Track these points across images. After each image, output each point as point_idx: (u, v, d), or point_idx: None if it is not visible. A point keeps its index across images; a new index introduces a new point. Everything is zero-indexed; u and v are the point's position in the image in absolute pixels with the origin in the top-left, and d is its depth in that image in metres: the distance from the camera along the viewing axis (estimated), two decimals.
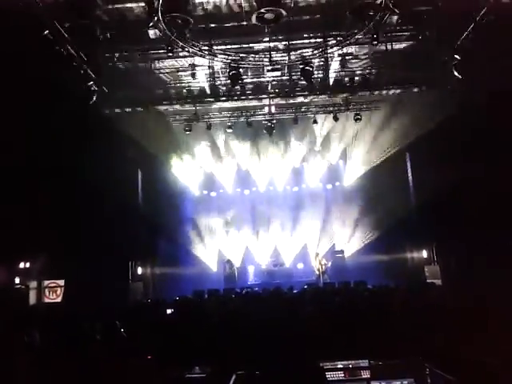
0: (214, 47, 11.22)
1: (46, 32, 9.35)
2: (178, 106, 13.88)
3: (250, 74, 13.01)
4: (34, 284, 12.17)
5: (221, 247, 19.80)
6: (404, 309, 6.31)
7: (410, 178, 15.65)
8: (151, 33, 9.74)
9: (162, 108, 14.06)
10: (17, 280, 11.84)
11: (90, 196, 11.74)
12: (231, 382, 3.50)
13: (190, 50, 10.58)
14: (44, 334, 4.77)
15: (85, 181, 11.40)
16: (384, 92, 13.31)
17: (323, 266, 17.07)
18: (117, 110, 13.28)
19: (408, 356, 3.70)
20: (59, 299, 12.17)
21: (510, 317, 4.72)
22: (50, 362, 3.67)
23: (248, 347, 4.64)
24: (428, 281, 13.49)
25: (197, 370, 4.06)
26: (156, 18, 8.92)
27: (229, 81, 11.88)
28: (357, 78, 13.12)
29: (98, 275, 11.26)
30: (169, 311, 7.15)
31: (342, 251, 18.60)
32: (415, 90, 13.09)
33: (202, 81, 13.19)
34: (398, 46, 12.04)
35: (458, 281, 11.85)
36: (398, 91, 13.25)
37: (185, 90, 13.35)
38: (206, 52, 10.98)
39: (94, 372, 3.51)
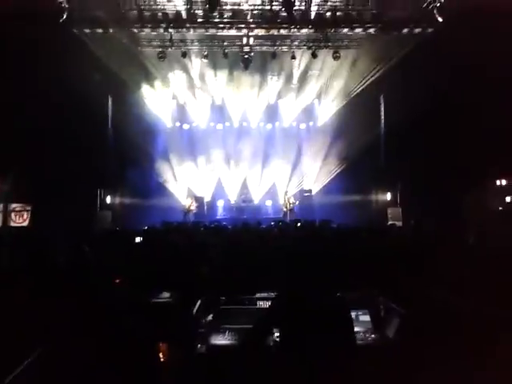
0: None
1: None
2: (151, 31, 13.17)
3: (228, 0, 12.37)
4: None
5: (191, 181, 19.78)
6: (363, 246, 6.59)
7: (382, 119, 15.77)
8: None
9: (134, 31, 13.28)
10: None
11: (58, 119, 11.34)
12: (196, 306, 3.66)
13: None
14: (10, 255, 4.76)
15: (52, 103, 10.94)
16: (365, 31, 13.00)
17: (291, 205, 17.42)
18: (87, 31, 12.50)
19: (363, 289, 3.92)
20: (26, 223, 12.08)
21: (459, 254, 5.05)
22: (13, 284, 3.70)
23: (214, 276, 4.80)
24: (390, 222, 14.06)
25: (163, 295, 4.19)
26: None
27: (207, 6, 11.31)
28: (338, 14, 12.72)
29: (66, 201, 11.15)
30: (137, 239, 7.22)
31: (310, 191, 18.95)
32: (397, 30, 12.84)
33: (178, 4, 12.47)
34: None
35: (417, 223, 12.40)
36: (379, 30, 12.95)
37: (160, 14, 12.63)
38: None
39: (58, 292, 3.57)
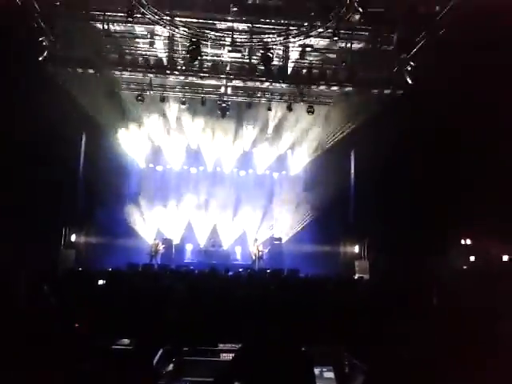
0: (176, 18, 10.94)
1: None
2: (131, 74, 13.40)
3: (209, 51, 12.78)
4: None
5: (161, 223, 19.55)
6: (331, 299, 6.60)
7: (352, 173, 16.23)
8: None
9: (114, 74, 13.48)
10: None
11: (29, 153, 11.18)
12: (158, 355, 3.54)
13: (151, 17, 10.25)
14: None
15: (24, 135, 10.82)
16: (338, 88, 13.62)
17: (260, 252, 17.38)
18: (67, 70, 12.59)
19: (328, 344, 3.90)
20: None
21: (423, 313, 5.11)
22: None
23: (178, 323, 4.69)
24: (357, 275, 14.15)
25: (124, 341, 4.05)
26: None
27: (187, 55, 11.66)
28: (314, 71, 13.33)
29: (29, 238, 10.80)
30: (100, 282, 7.01)
31: (279, 239, 19.00)
32: (370, 90, 13.49)
33: (159, 50, 12.82)
34: (357, 44, 12.36)
35: (383, 277, 12.51)
36: (352, 89, 13.57)
37: (141, 59, 12.92)
38: (168, 22, 10.68)
39: (16, 336, 3.41)
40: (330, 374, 3.43)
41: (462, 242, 14.42)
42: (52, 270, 9.71)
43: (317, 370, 3.38)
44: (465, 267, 13.80)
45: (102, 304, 5.35)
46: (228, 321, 4.71)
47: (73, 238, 14.61)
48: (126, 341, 4.08)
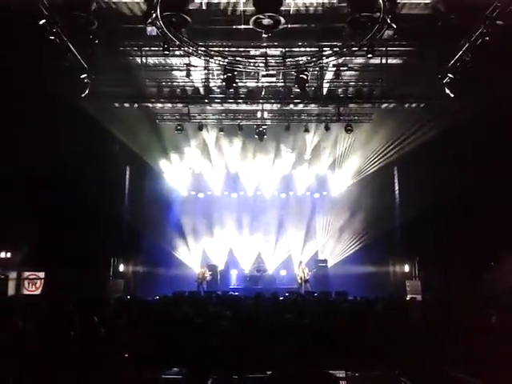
0: (211, 48, 11.24)
1: (43, 22, 9.28)
2: (169, 105, 13.82)
3: (244, 77, 13.02)
4: (13, 275, 12.00)
5: (205, 250, 19.72)
6: (382, 322, 6.34)
7: (397, 191, 15.80)
8: (148, 30, 9.73)
9: (153, 106, 13.95)
10: None
11: (76, 190, 11.64)
12: None
13: (187, 49, 10.58)
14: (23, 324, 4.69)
15: (71, 174, 11.30)
16: (376, 105, 13.45)
17: (306, 275, 17.10)
18: (108, 105, 13.16)
19: (384, 369, 3.72)
20: (38, 291, 12.01)
21: (482, 332, 4.80)
22: (27, 357, 3.60)
23: (227, 351, 4.62)
24: (408, 296, 13.59)
25: (174, 371, 4.02)
26: (154, 15, 8.90)
27: (223, 83, 11.91)
28: (350, 89, 13.27)
29: (78, 269, 11.14)
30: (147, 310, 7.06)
31: (325, 261, 18.66)
32: (407, 105, 13.25)
33: (196, 81, 13.19)
34: (392, 60, 12.22)
35: (437, 297, 11.97)
36: (390, 105, 13.37)
37: (178, 90, 13.32)
38: (202, 53, 10.98)
39: (69, 369, 3.46)
40: None
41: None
42: (102, 298, 9.93)
43: None
44: None
45: (150, 333, 5.37)
46: (276, 347, 4.59)
47: (121, 268, 14.95)
48: (176, 370, 4.05)
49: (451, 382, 3.84)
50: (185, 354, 4.37)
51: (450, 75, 11.36)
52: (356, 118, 14.70)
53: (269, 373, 3.69)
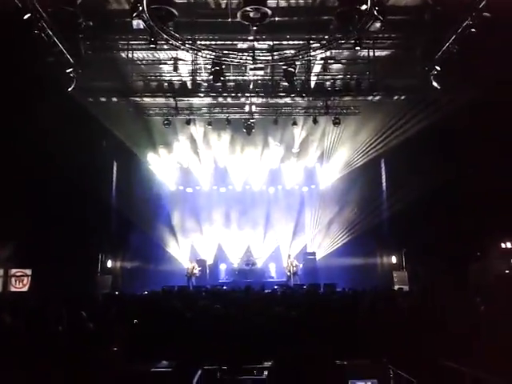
0: (198, 42, 11.15)
1: (28, 15, 9.12)
2: (157, 99, 13.69)
3: (232, 71, 12.95)
4: (0, 272, 11.88)
5: (194, 244, 19.71)
6: (370, 312, 6.41)
7: (384, 183, 15.91)
8: (134, 23, 9.65)
9: (140, 100, 13.81)
10: None
11: (62, 185, 11.51)
12: (197, 376, 3.50)
13: (174, 43, 10.49)
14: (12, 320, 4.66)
15: (58, 169, 11.17)
16: (363, 98, 13.49)
17: (294, 268, 17.21)
18: (95, 99, 13.00)
19: (373, 358, 3.77)
20: (26, 288, 11.89)
21: (470, 321, 4.89)
22: (16, 353, 3.58)
23: (216, 343, 4.63)
24: (396, 286, 13.74)
25: (163, 363, 4.02)
26: (140, 8, 8.80)
27: (211, 76, 11.84)
28: (338, 83, 13.29)
29: (66, 265, 11.05)
30: (136, 305, 7.04)
31: (313, 253, 18.80)
32: (395, 97, 13.30)
33: (183, 74, 13.08)
34: (379, 53, 12.26)
35: (424, 287, 12.11)
36: (378, 97, 13.41)
37: (166, 84, 13.20)
38: (190, 46, 10.90)
39: (58, 364, 3.44)
40: None
41: (503, 245, 13.79)
42: (90, 294, 9.88)
43: None
44: (507, 271, 13.20)
45: (140, 327, 5.37)
46: (266, 338, 4.62)
47: (109, 263, 14.85)
48: (166, 363, 4.04)
49: (438, 369, 3.91)
50: (174, 347, 4.37)
51: (436, 67, 11.43)
52: (344, 110, 14.72)
53: (266, 364, 3.72)
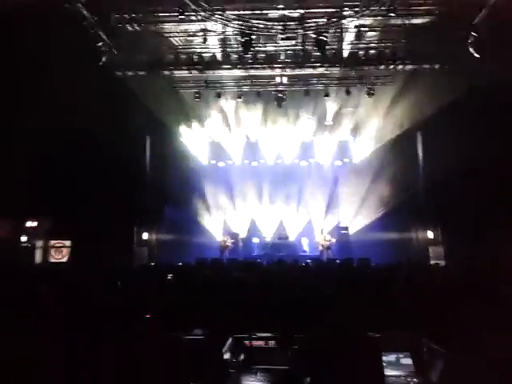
0: (227, 12, 10.93)
1: None
2: (187, 73, 13.62)
3: (262, 41, 12.67)
4: (40, 243, 12.37)
5: (227, 218, 19.90)
6: (405, 286, 6.30)
7: (420, 157, 15.42)
8: None
9: (170, 73, 13.77)
10: (23, 238, 12.00)
11: (99, 159, 11.76)
12: (227, 344, 3.53)
13: (202, 14, 10.33)
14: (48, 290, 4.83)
15: (93, 144, 11.39)
16: (399, 67, 12.98)
17: (328, 242, 17.14)
18: (125, 73, 13.05)
19: (405, 330, 3.70)
20: (65, 259, 12.38)
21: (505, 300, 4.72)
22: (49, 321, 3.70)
23: (248, 313, 4.67)
24: (432, 262, 13.49)
25: (196, 331, 4.08)
26: None
27: (240, 48, 11.65)
28: (372, 52, 12.81)
29: (104, 238, 11.38)
30: (170, 276, 7.18)
31: (346, 228, 18.62)
32: (430, 66, 12.73)
33: (212, 46, 12.91)
34: (414, 20, 11.67)
35: (460, 263, 11.83)
36: (413, 67, 12.87)
37: (195, 56, 13.10)
38: (219, 17, 10.72)
39: (92, 329, 3.54)
40: (408, 361, 3.24)
41: None
42: (127, 266, 10.17)
43: (393, 357, 3.22)
44: None
45: (173, 297, 5.47)
46: (297, 310, 4.62)
47: (145, 236, 15.22)
48: (199, 331, 4.11)
49: (473, 343, 3.80)
50: (207, 317, 4.44)
51: (473, 34, 10.82)
52: (377, 80, 14.24)
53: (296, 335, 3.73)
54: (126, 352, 3.12)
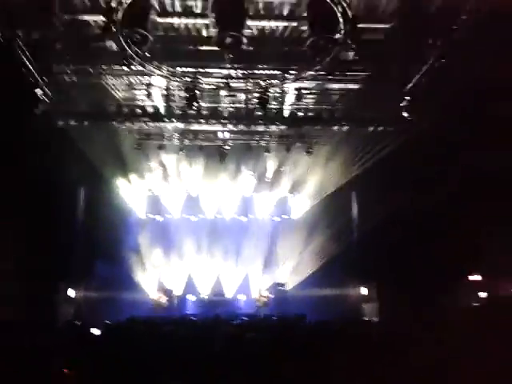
0: (172, 68, 11.13)
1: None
2: (129, 124, 13.52)
3: (206, 98, 12.97)
4: None
5: (162, 274, 19.16)
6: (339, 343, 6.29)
7: (355, 214, 16.04)
8: (107, 45, 9.51)
9: (112, 124, 13.60)
10: None
11: (28, 207, 11.15)
12: None
13: (148, 67, 10.44)
14: None
15: (24, 189, 10.83)
16: (335, 128, 13.70)
17: (265, 299, 16.94)
18: (65, 123, 12.74)
19: None
20: None
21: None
22: None
23: (184, 371, 4.44)
24: (366, 318, 13.67)
25: None
26: (114, 30, 8.74)
27: (184, 102, 11.81)
28: (310, 114, 13.49)
29: (29, 292, 10.59)
30: (96, 333, 6.68)
31: (283, 284, 18.55)
32: (368, 128, 13.53)
33: (156, 100, 13.02)
34: (351, 85, 12.51)
35: (392, 319, 12.07)
36: (349, 128, 13.64)
37: (138, 109, 13.11)
38: (165, 72, 10.88)
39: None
40: None
41: (470, 278, 14.00)
42: (51, 323, 9.46)
43: None
44: (475, 304, 13.34)
45: (101, 354, 5.07)
46: (230, 372, 4.47)
47: (72, 292, 14.24)
48: None
49: None
50: (136, 375, 4.15)
51: (407, 98, 11.74)
52: (316, 140, 14.90)
53: None
54: None
